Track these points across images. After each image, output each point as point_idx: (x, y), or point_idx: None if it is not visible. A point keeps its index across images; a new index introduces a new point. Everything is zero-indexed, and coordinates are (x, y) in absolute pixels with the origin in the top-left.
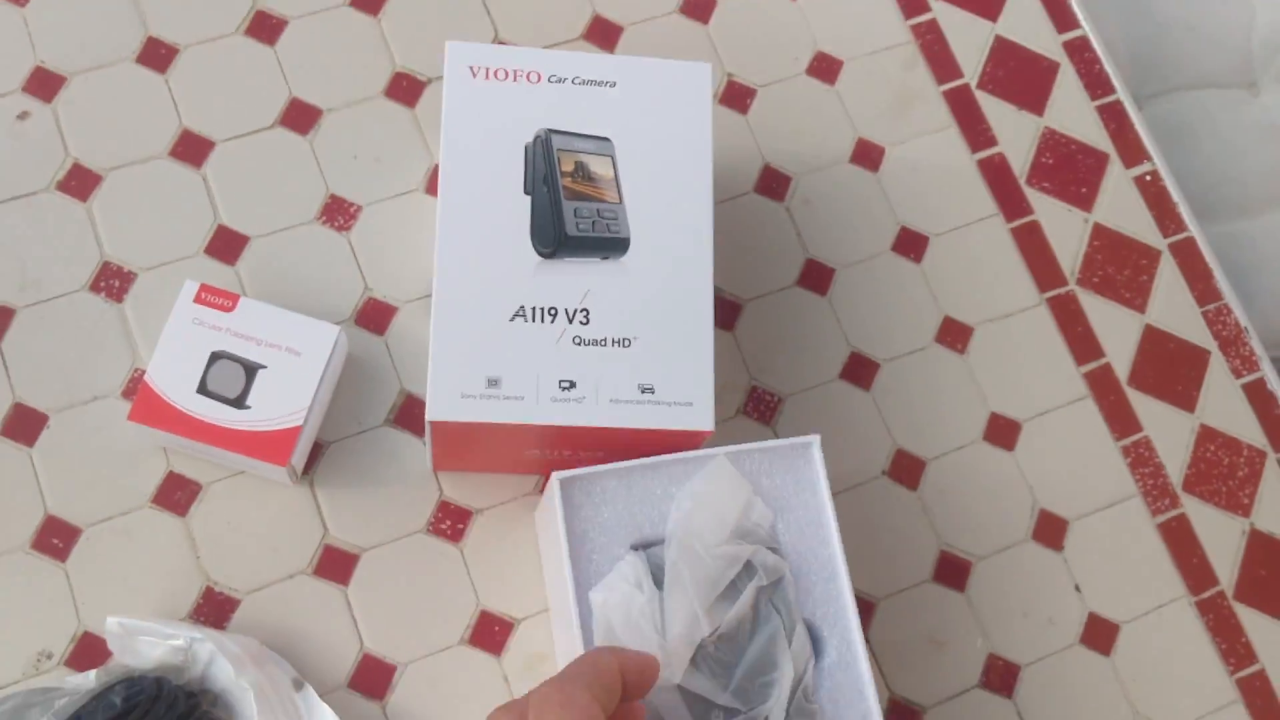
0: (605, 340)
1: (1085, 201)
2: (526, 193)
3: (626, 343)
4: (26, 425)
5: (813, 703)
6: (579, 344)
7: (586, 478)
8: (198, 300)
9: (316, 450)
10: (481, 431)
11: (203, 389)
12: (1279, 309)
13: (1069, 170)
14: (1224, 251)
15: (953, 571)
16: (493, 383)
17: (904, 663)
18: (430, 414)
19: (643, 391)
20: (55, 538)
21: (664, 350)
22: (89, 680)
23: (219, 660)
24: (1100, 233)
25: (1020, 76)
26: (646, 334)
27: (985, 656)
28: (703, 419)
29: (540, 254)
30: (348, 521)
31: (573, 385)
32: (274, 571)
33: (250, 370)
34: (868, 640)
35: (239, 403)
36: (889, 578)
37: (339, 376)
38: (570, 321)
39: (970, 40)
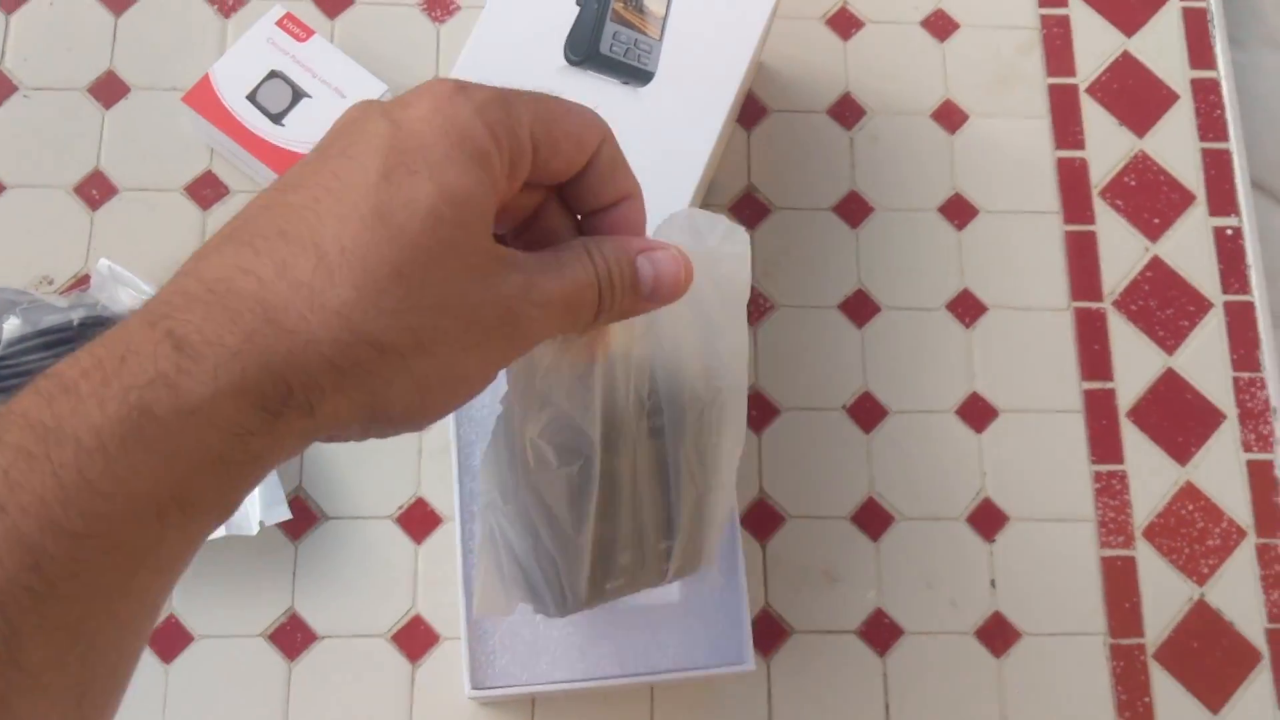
0: None
1: (1154, 231)
2: (578, 3)
3: None
4: (111, 89)
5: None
6: None
7: None
8: (279, 24)
9: None
10: None
11: (251, 97)
12: None
13: (1149, 197)
14: None
15: (873, 519)
16: None
17: (791, 583)
18: None
19: None
20: (95, 189)
21: (644, 183)
22: (60, 301)
23: None
24: (1157, 265)
25: (1134, 95)
26: (634, 163)
27: (873, 609)
28: None
29: (569, 61)
30: None
31: None
32: None
33: (297, 95)
34: (763, 548)
35: (277, 119)
36: (808, 502)
37: None
38: None
39: (1097, 46)
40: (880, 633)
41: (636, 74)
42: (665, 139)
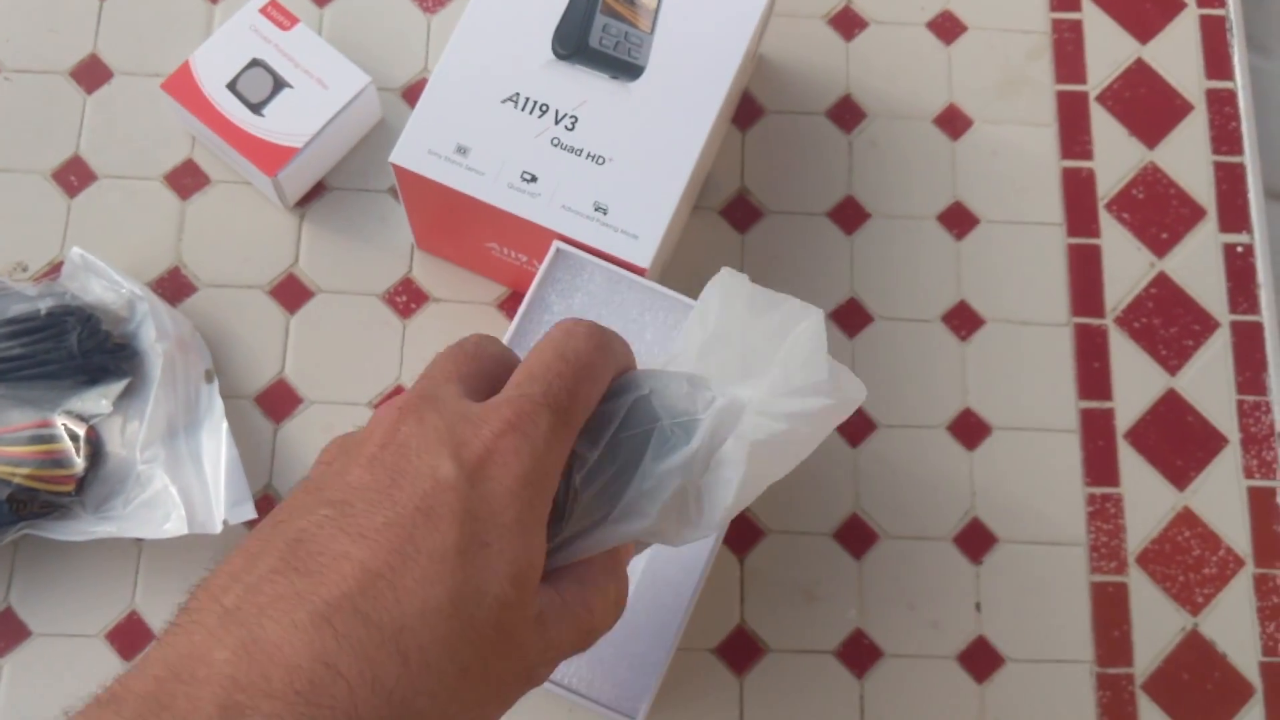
0: (582, 151)
1: (1160, 247)
2: None
3: (600, 160)
4: (94, 73)
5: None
6: (555, 145)
7: (580, 259)
8: (263, 11)
9: (318, 189)
10: (439, 197)
11: (231, 86)
12: None
13: (1157, 211)
14: None
15: (856, 537)
16: (461, 150)
17: (767, 600)
18: (393, 156)
19: (596, 209)
20: (74, 175)
21: (632, 181)
22: (30, 289)
23: (149, 322)
24: (1163, 282)
25: (1145, 105)
26: (622, 160)
27: (852, 629)
28: (642, 255)
29: (556, 54)
30: (318, 261)
31: (534, 179)
32: (237, 277)
33: (278, 85)
34: (741, 562)
35: (257, 109)
36: (789, 517)
37: (365, 132)
38: (556, 123)
39: (1109, 53)
40: (859, 654)
41: (626, 68)
42: (655, 136)
